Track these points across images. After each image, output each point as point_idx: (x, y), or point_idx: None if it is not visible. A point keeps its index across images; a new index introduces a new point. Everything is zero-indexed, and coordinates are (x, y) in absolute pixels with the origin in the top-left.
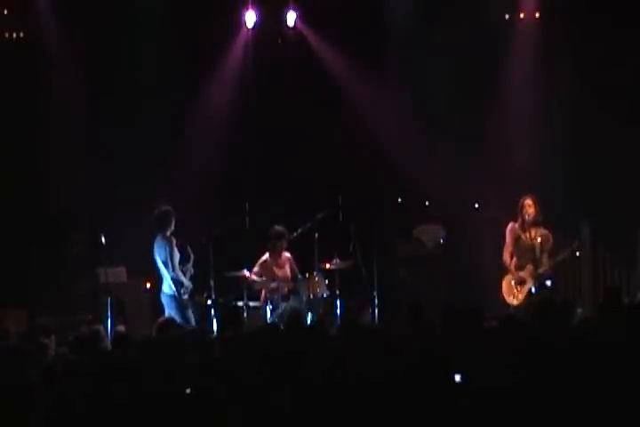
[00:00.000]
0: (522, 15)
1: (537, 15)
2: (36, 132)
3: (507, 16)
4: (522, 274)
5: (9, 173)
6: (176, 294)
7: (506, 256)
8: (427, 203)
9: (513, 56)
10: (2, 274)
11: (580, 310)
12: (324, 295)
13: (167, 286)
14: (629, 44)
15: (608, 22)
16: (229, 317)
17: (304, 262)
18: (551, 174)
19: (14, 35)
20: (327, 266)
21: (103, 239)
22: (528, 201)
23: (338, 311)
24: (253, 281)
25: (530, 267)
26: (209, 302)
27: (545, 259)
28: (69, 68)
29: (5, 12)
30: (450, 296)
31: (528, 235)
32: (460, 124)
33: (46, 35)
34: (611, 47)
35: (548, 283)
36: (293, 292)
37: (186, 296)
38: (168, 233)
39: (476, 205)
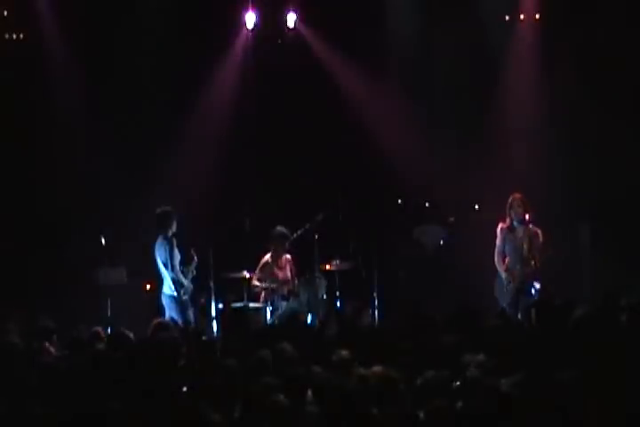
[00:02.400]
0: (522, 16)
1: (537, 16)
2: (36, 133)
3: (507, 17)
4: (510, 273)
5: (9, 174)
6: (176, 294)
7: (496, 258)
8: (427, 204)
9: (513, 57)
10: (2, 275)
11: (580, 311)
12: (324, 296)
13: (167, 287)
14: (629, 44)
15: (607, 23)
16: (235, 318)
17: (304, 263)
18: (550, 175)
19: (14, 36)
20: (327, 267)
21: (103, 240)
22: (516, 200)
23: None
24: (255, 286)
25: (518, 266)
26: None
27: (534, 258)
28: (69, 69)
29: (5, 13)
30: (450, 297)
31: (516, 234)
32: (459, 125)
33: (46, 36)
34: (610, 47)
35: (537, 286)
36: (293, 293)
37: (186, 297)
38: (169, 234)
39: (476, 206)
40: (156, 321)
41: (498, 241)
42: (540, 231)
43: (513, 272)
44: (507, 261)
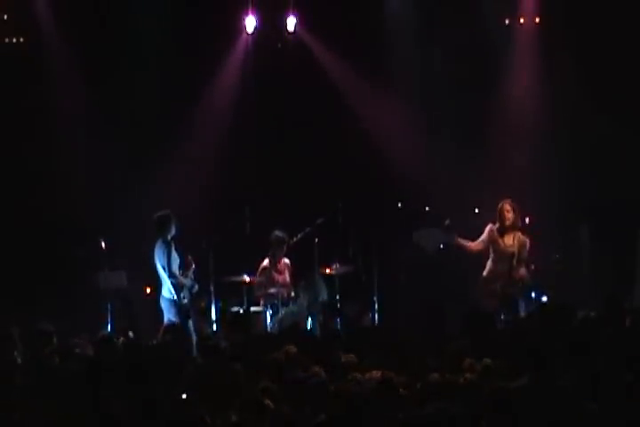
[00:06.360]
0: (522, 20)
1: (537, 20)
2: (37, 137)
3: (507, 21)
4: (497, 281)
5: (9, 177)
6: (175, 298)
7: (474, 244)
8: (427, 208)
9: (513, 61)
10: (3, 278)
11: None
12: (325, 300)
13: (167, 291)
14: (628, 47)
15: (606, 26)
16: (236, 321)
17: (304, 267)
18: (550, 177)
19: (14, 40)
20: (327, 271)
21: (103, 244)
22: (506, 206)
23: (338, 316)
24: (256, 295)
25: (506, 274)
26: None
27: (521, 266)
28: (69, 72)
29: (5, 17)
30: (449, 300)
31: (505, 240)
32: (459, 128)
33: (46, 40)
34: (609, 50)
35: (544, 299)
36: (293, 297)
37: (185, 301)
38: (168, 237)
39: (476, 210)
40: (166, 324)
41: (482, 236)
42: (528, 241)
43: (499, 278)
44: (490, 265)
